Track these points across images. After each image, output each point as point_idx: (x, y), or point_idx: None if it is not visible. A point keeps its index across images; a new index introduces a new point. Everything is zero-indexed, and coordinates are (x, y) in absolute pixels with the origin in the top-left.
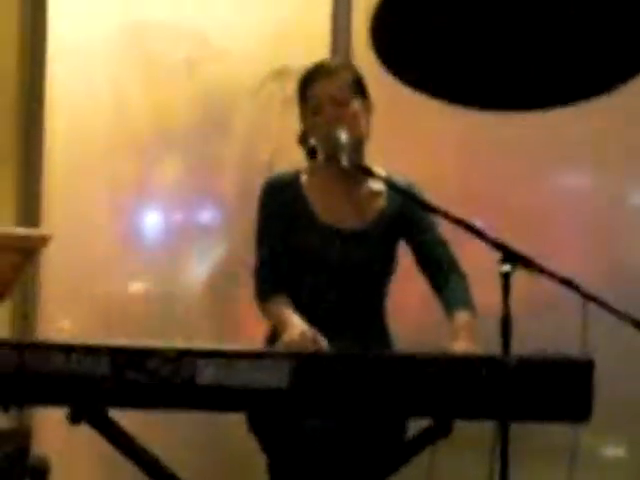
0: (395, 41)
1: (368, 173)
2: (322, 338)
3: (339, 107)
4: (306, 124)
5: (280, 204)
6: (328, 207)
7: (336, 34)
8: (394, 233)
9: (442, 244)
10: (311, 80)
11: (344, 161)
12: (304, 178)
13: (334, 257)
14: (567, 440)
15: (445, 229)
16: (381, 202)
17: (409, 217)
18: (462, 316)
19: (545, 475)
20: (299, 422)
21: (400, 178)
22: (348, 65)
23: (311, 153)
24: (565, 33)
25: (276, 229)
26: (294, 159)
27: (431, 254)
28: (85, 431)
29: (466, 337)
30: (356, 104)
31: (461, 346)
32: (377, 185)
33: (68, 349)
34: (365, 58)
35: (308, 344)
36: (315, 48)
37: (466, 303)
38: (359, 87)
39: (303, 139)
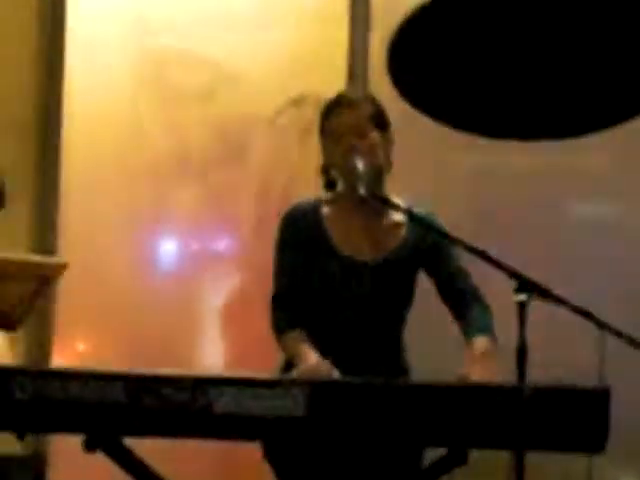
0: (412, 69)
1: (386, 202)
2: (336, 371)
3: (358, 138)
4: (326, 155)
5: (299, 235)
6: (348, 238)
7: (353, 61)
8: (414, 264)
9: (464, 275)
10: (331, 111)
11: (361, 190)
12: (324, 209)
13: (353, 289)
14: (583, 470)
15: (462, 258)
16: (401, 233)
17: (430, 248)
18: (480, 341)
19: None
20: (314, 451)
21: (420, 209)
22: (369, 97)
23: (329, 185)
24: (585, 62)
25: (294, 261)
26: (311, 188)
27: (453, 285)
28: (101, 459)
29: (483, 363)
30: (375, 135)
31: (477, 373)
32: (397, 216)
33: (84, 377)
34: (382, 85)
35: (323, 375)
36: (332, 75)
37: (486, 330)
38: (380, 119)
39: (325, 171)
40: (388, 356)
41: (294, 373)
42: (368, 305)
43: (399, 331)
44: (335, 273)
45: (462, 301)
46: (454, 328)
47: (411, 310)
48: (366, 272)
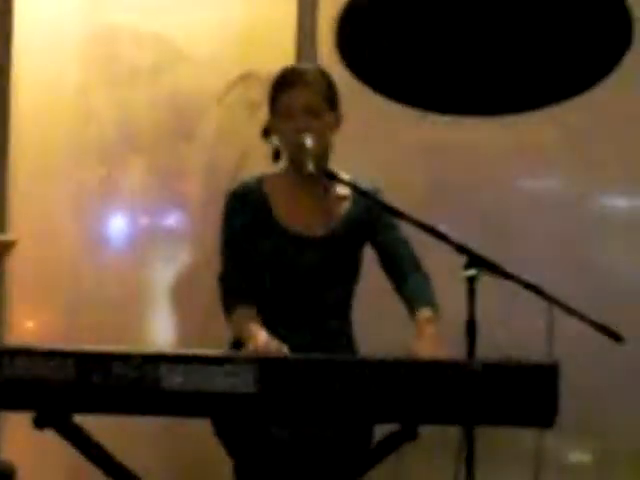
0: (361, 45)
1: (333, 177)
2: (286, 348)
3: (311, 117)
4: (274, 126)
5: (244, 213)
6: (292, 213)
7: (301, 37)
8: (359, 237)
9: (403, 243)
10: (286, 85)
11: (309, 166)
12: (268, 185)
13: (299, 263)
14: (533, 444)
15: (411, 234)
16: (346, 207)
17: (373, 219)
18: (424, 314)
19: (511, 478)
20: (265, 427)
21: (366, 183)
22: (322, 74)
23: (275, 155)
24: (534, 37)
25: (240, 239)
26: (259, 165)
27: (392, 253)
28: (51, 436)
29: (429, 337)
30: (327, 115)
31: (423, 348)
32: (342, 190)
33: (33, 354)
34: (330, 61)
35: (272, 354)
36: (281, 52)
37: (428, 301)
38: (332, 100)
39: (266, 133)
40: (336, 331)
41: (244, 351)
42: (315, 279)
43: (347, 305)
44: (281, 248)
45: (402, 269)
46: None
47: (359, 284)
48: (312, 246)
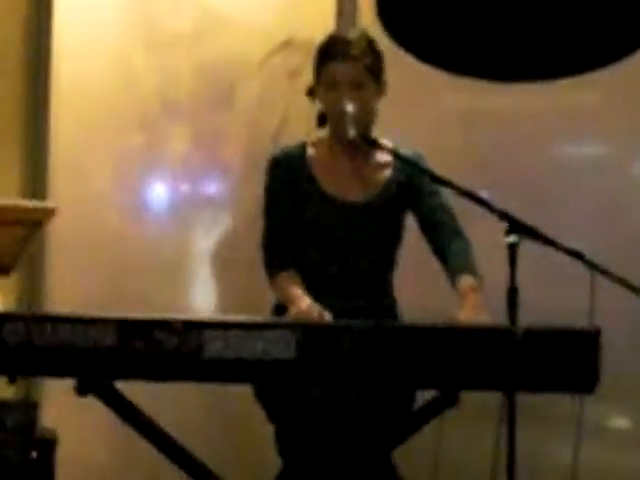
0: (402, 10)
1: (374, 144)
2: (328, 314)
3: (354, 89)
4: (317, 92)
5: (286, 178)
6: (334, 180)
7: (342, 3)
8: (400, 203)
9: (445, 210)
10: (331, 56)
11: (350, 132)
12: (310, 151)
13: (340, 229)
14: (574, 410)
15: (450, 201)
16: (388, 173)
17: (414, 186)
18: (466, 281)
19: (551, 444)
20: (306, 393)
21: (407, 150)
22: (368, 45)
23: (320, 120)
24: (572, 3)
25: (283, 203)
26: (300, 131)
27: (434, 220)
28: (92, 403)
29: (471, 304)
30: (371, 86)
31: (466, 315)
32: (384, 157)
33: (75, 321)
34: (371, 26)
35: (315, 319)
36: (321, 18)
37: (469, 268)
38: (376, 71)
39: (310, 93)
40: (378, 297)
41: (286, 317)
42: (356, 245)
43: (388, 271)
44: (323, 213)
45: (443, 235)
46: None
47: (401, 251)
48: (354, 212)
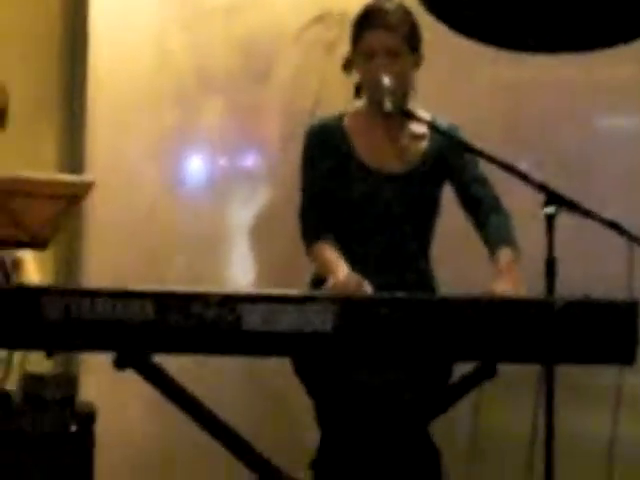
0: None
1: (410, 116)
2: (367, 283)
3: (390, 59)
4: (355, 63)
5: (324, 148)
6: (371, 151)
7: None
8: (437, 175)
9: (483, 182)
10: (367, 26)
11: (387, 105)
12: (348, 122)
13: (377, 200)
14: (612, 381)
15: (488, 172)
16: (424, 144)
17: (451, 158)
18: (504, 254)
19: (590, 416)
20: (344, 367)
21: (444, 121)
22: (406, 15)
23: (356, 91)
24: None
25: (320, 173)
26: (337, 104)
27: (473, 192)
28: (131, 376)
29: (508, 277)
30: (408, 58)
31: (503, 287)
32: (420, 128)
33: (113, 295)
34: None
35: (353, 288)
36: None
37: (508, 241)
38: (413, 42)
39: (346, 67)
40: (416, 269)
41: (324, 289)
42: (394, 215)
43: (426, 243)
44: (361, 184)
45: (483, 209)
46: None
47: (439, 223)
48: (391, 182)
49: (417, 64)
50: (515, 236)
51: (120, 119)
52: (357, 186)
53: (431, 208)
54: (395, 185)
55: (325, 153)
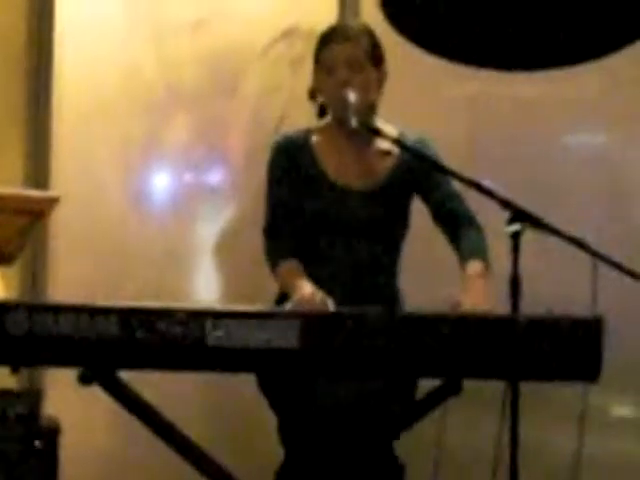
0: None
1: (377, 133)
2: (331, 300)
3: (353, 71)
4: (318, 82)
5: (290, 165)
6: (338, 167)
7: None
8: (405, 191)
9: (457, 198)
10: (329, 41)
11: (352, 122)
12: (314, 138)
13: (344, 218)
14: (577, 398)
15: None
16: (392, 161)
17: (421, 173)
18: (474, 266)
19: (555, 433)
20: (308, 382)
21: (412, 135)
22: (367, 30)
23: (320, 111)
24: None
25: (286, 190)
26: (303, 119)
27: (448, 208)
28: (96, 392)
29: (476, 289)
30: (370, 71)
31: (470, 300)
32: (388, 144)
33: (78, 311)
34: (373, 17)
35: (317, 305)
36: (324, 7)
37: (480, 255)
38: (375, 54)
39: (313, 95)
40: (382, 285)
41: (288, 305)
42: (361, 232)
43: (393, 259)
44: (328, 201)
45: (456, 224)
46: (449, 255)
47: (407, 239)
48: (359, 200)
49: (380, 80)
50: (487, 251)
51: (86, 132)
52: (323, 203)
53: (399, 224)
54: (362, 202)
55: (291, 170)
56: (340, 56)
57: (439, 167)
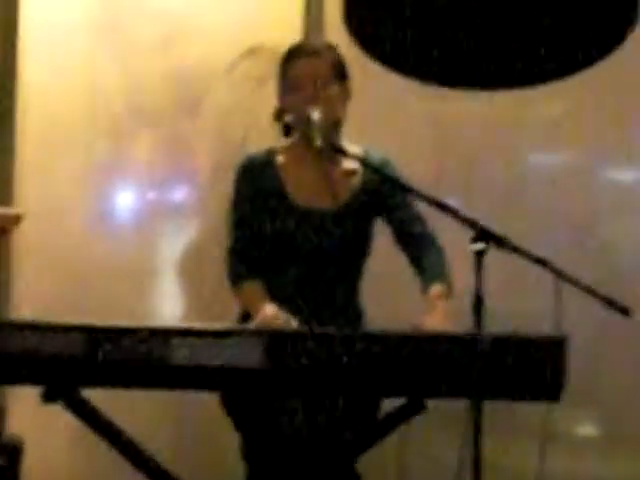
0: (369, 19)
1: (341, 152)
2: (294, 321)
3: (317, 87)
4: (283, 101)
5: (254, 186)
6: (302, 187)
7: (309, 11)
8: (369, 212)
9: (420, 220)
10: (293, 58)
11: (317, 140)
12: (278, 158)
13: (308, 238)
14: (540, 417)
15: (420, 207)
16: (356, 181)
17: (384, 194)
18: (436, 289)
19: (517, 451)
20: (271, 400)
21: (376, 155)
22: (331, 47)
23: (285, 130)
24: (541, 12)
25: (250, 212)
26: (267, 139)
27: (409, 230)
28: (59, 409)
29: (437, 312)
30: (335, 87)
31: (431, 322)
32: (352, 164)
33: (41, 328)
34: (338, 35)
35: (280, 324)
36: (288, 25)
37: (442, 277)
38: (340, 70)
39: (279, 116)
40: (345, 305)
41: (252, 324)
42: (325, 254)
43: (356, 280)
44: (291, 223)
45: (418, 246)
46: (410, 276)
47: (369, 259)
48: (322, 221)
49: (345, 96)
50: (449, 273)
51: (50, 149)
52: (286, 224)
53: (362, 244)
54: (326, 222)
55: (255, 191)
56: (305, 71)
57: (403, 186)
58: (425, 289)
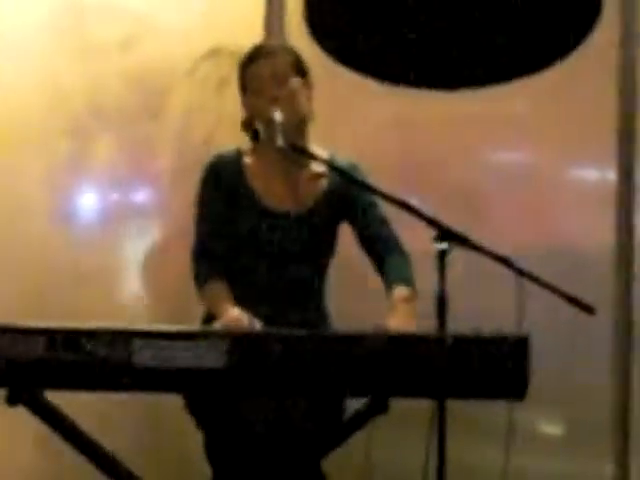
0: (330, 19)
1: (304, 153)
2: (257, 323)
3: (279, 86)
4: (247, 107)
5: (221, 186)
6: (269, 190)
7: (270, 12)
8: (335, 215)
9: (383, 223)
10: (250, 62)
11: (279, 141)
12: (246, 159)
13: (273, 239)
14: (504, 416)
15: (383, 208)
16: (322, 184)
17: (350, 197)
18: (399, 292)
19: (482, 451)
20: (235, 402)
21: (343, 159)
22: (289, 46)
23: (254, 136)
24: (505, 10)
25: (216, 211)
26: (230, 139)
27: (372, 233)
28: (22, 412)
29: (403, 313)
30: (295, 82)
31: (395, 323)
32: (319, 166)
33: (2, 330)
34: (299, 35)
35: (244, 325)
36: (249, 26)
37: (406, 280)
38: (299, 66)
39: (247, 124)
40: (309, 307)
41: (216, 326)
42: (290, 256)
43: (321, 281)
44: (257, 224)
45: (382, 249)
46: (375, 278)
47: (333, 260)
48: (288, 223)
49: (308, 90)
50: (413, 276)
51: (11, 151)
52: (252, 225)
53: (327, 247)
54: (292, 224)
55: (220, 190)
56: (264, 72)
57: (367, 187)
58: (388, 291)
